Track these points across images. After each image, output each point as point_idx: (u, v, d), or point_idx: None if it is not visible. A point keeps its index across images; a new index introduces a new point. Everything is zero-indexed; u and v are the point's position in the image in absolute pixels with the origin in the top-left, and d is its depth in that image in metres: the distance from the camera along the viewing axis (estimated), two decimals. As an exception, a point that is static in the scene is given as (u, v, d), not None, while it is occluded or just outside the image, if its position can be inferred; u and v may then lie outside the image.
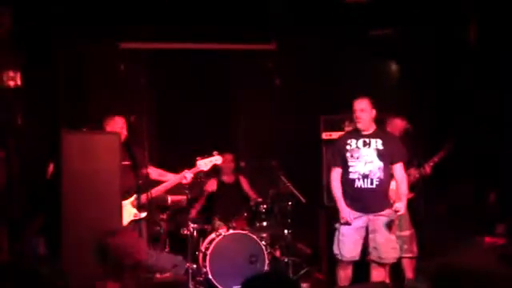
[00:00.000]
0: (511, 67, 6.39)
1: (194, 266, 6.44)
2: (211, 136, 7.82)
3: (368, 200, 5.27)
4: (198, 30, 7.64)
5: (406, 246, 6.12)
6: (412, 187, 6.22)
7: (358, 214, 5.34)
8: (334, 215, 5.59)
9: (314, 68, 7.85)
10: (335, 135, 7.18)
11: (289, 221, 6.83)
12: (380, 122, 6.40)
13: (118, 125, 5.75)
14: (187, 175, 5.91)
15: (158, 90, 8.05)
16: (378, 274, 5.39)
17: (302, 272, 6.83)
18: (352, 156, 5.30)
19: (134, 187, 5.64)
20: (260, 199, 6.95)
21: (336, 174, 5.38)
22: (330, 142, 7.21)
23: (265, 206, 6.79)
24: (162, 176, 5.92)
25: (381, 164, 5.26)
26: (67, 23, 7.01)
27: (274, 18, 7.50)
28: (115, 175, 5.09)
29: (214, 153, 6.06)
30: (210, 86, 8.03)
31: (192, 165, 5.99)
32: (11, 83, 5.86)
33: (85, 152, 5.01)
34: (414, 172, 6.20)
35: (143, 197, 5.58)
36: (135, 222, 5.66)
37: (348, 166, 5.29)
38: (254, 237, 6.37)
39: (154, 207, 6.01)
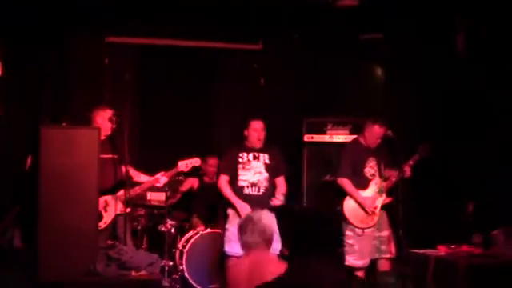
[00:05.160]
0: (496, 79, 6.43)
1: (171, 263, 6.44)
2: (195, 134, 7.81)
3: (254, 205, 5.78)
4: (185, 27, 7.64)
5: (383, 247, 6.09)
6: (390, 191, 6.23)
7: None
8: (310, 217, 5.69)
9: (299, 70, 7.86)
10: (317, 138, 7.26)
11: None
12: (359, 127, 6.44)
13: (107, 117, 5.70)
14: (161, 179, 5.87)
15: (142, 86, 8.01)
16: None
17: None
18: (244, 168, 6.00)
19: (119, 181, 5.62)
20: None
21: (224, 180, 6.03)
22: (312, 144, 7.26)
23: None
24: (137, 177, 5.85)
25: (267, 175, 6.03)
26: (52, 14, 6.97)
27: (262, 19, 7.50)
28: (93, 170, 5.05)
29: (194, 156, 6.13)
30: (196, 83, 8.02)
31: (173, 163, 6.00)
32: (-8, 73, 5.81)
33: (63, 146, 4.97)
34: (394, 174, 6.17)
35: (128, 192, 5.55)
36: (119, 217, 5.65)
37: (238, 175, 5.99)
38: (232, 236, 6.37)
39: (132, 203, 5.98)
